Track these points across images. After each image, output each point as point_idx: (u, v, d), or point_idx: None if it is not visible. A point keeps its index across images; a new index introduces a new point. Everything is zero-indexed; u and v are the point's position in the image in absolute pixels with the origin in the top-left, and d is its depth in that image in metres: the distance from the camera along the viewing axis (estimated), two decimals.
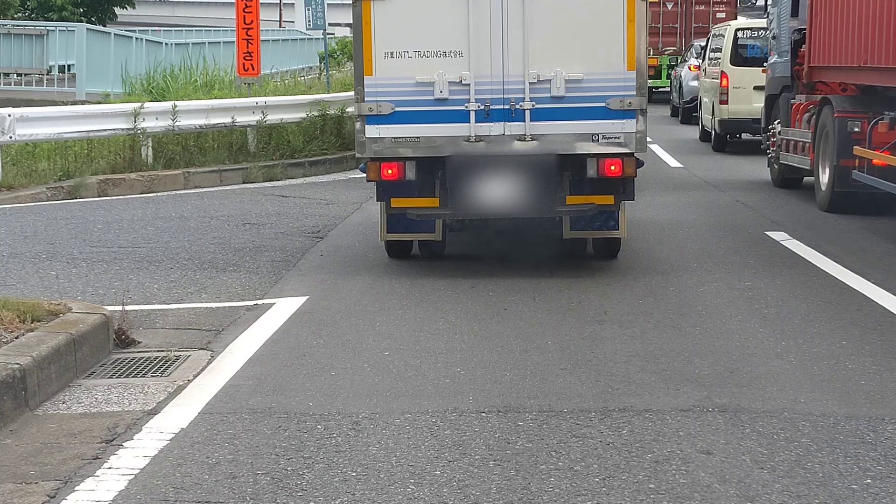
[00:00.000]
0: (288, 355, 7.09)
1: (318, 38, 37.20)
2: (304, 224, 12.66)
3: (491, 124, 9.28)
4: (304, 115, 19.06)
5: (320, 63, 37.72)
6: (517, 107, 9.23)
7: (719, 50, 22.41)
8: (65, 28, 28.92)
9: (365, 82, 9.27)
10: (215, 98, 19.77)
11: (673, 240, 11.43)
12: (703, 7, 33.04)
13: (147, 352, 7.19)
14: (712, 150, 21.69)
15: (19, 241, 11.41)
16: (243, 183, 17.21)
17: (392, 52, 9.25)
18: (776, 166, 16.06)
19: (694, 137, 24.14)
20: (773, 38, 16.78)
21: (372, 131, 9.30)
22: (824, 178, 13.56)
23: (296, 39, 43.81)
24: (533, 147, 9.30)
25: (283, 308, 8.40)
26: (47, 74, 27.33)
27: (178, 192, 16.19)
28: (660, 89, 32.56)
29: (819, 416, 5.79)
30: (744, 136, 21.82)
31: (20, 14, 38.36)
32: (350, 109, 17.63)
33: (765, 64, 17.78)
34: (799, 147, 14.73)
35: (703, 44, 25.75)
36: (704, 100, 23.29)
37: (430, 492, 4.83)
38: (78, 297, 8.40)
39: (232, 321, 8.04)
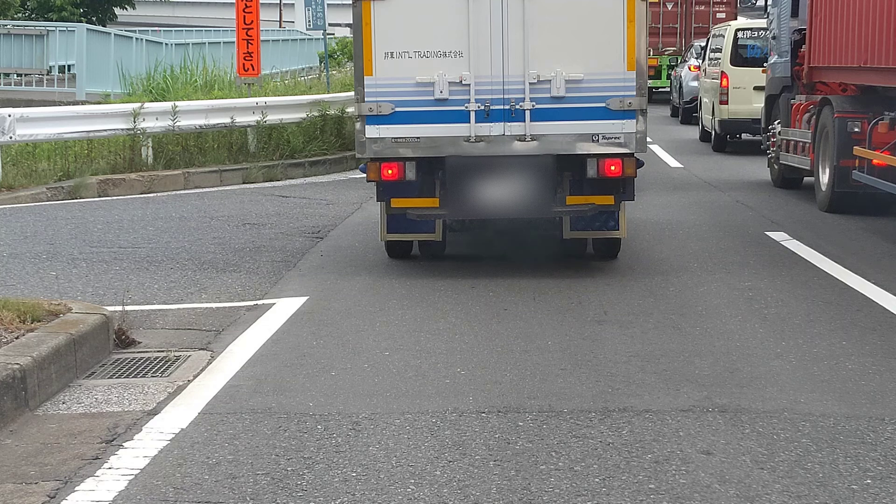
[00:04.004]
0: (288, 355, 7.09)
1: (318, 39, 37.21)
2: (304, 224, 12.66)
3: (491, 124, 9.28)
4: (304, 115, 19.06)
5: (320, 63, 37.73)
6: (517, 107, 9.23)
7: (719, 50, 22.41)
8: (65, 28, 28.94)
9: (365, 82, 9.27)
10: (215, 98, 19.77)
11: (673, 240, 11.43)
12: (703, 7, 33.05)
13: (147, 352, 7.19)
14: (712, 151, 21.69)
15: (19, 241, 11.42)
16: (243, 183, 17.21)
17: (392, 53, 9.25)
18: (776, 166, 16.06)
19: (694, 137, 24.14)
20: (773, 38, 16.77)
21: (372, 131, 9.29)
22: (824, 178, 13.56)
23: (296, 39, 43.83)
24: (533, 147, 9.30)
25: (283, 308, 8.40)
26: (47, 75, 27.35)
27: (178, 192, 16.19)
28: (660, 89, 32.56)
29: (819, 416, 5.79)
30: (744, 136, 21.82)
31: (20, 14, 38.35)
32: (350, 110, 17.63)
33: (765, 64, 17.78)
34: (799, 147, 14.73)
35: (703, 44, 25.75)
36: (704, 100, 23.29)
37: (430, 492, 4.83)
38: (78, 298, 8.40)
39: (232, 321, 8.04)
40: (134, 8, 44.14)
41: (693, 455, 5.25)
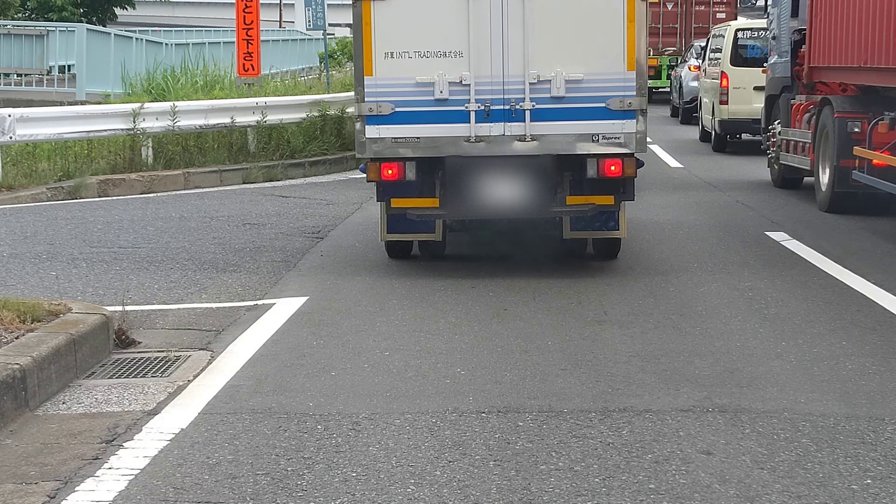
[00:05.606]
0: (288, 356, 7.09)
1: (318, 39, 37.21)
2: (304, 224, 12.66)
3: (491, 125, 9.28)
4: (304, 115, 19.06)
5: (320, 63, 37.73)
6: (517, 107, 9.23)
7: (719, 50, 22.41)
8: (65, 28, 28.91)
9: (365, 82, 9.27)
10: (215, 98, 19.78)
11: (673, 240, 11.43)
12: (703, 7, 33.06)
13: (147, 352, 7.19)
14: (712, 151, 21.70)
15: (19, 241, 11.42)
16: (243, 183, 17.21)
17: (392, 53, 9.25)
18: (776, 166, 16.07)
19: (694, 137, 24.15)
20: (773, 38, 16.77)
21: (372, 132, 9.30)
22: (824, 178, 13.56)
23: (296, 39, 43.82)
24: (533, 147, 9.30)
25: (284, 308, 8.40)
26: (47, 75, 27.33)
27: (178, 192, 16.20)
28: (660, 89, 32.57)
29: (819, 416, 5.80)
30: (744, 136, 21.83)
31: (20, 14, 38.34)
32: (350, 110, 17.63)
33: (765, 64, 17.78)
34: (799, 147, 14.74)
35: (703, 44, 25.75)
36: (704, 100, 23.29)
37: (430, 492, 4.83)
38: (78, 298, 8.40)
39: (232, 321, 8.04)
40: (134, 8, 44.12)
41: (693, 455, 5.25)
